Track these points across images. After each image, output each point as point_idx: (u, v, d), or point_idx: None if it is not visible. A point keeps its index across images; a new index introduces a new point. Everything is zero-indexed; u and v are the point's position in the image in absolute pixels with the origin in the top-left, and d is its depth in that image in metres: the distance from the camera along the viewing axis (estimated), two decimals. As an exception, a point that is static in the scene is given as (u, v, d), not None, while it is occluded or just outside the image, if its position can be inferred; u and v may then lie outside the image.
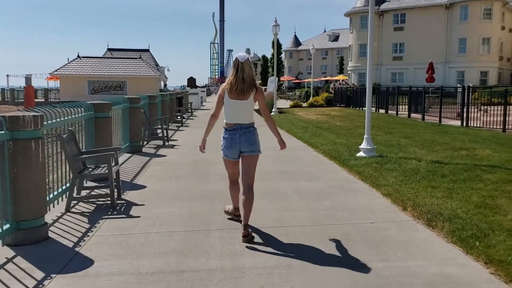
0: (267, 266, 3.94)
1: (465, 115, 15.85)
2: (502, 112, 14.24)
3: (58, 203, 5.84)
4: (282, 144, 5.16)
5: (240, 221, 4.84)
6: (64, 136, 5.72)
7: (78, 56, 42.11)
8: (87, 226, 5.13)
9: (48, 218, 5.31)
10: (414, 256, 4.14)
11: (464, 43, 49.15)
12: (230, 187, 5.25)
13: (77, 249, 4.43)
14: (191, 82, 42.44)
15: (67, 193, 5.85)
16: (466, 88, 16.00)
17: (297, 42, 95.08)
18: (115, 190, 6.27)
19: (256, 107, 5.32)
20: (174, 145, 11.87)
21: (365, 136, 9.51)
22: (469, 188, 6.42)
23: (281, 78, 70.93)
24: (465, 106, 15.96)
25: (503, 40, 51.21)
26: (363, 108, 26.65)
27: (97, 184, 6.73)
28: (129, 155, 10.05)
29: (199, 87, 44.05)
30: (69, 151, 5.74)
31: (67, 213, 5.63)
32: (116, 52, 50.94)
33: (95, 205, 5.97)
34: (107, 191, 5.97)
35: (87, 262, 4.10)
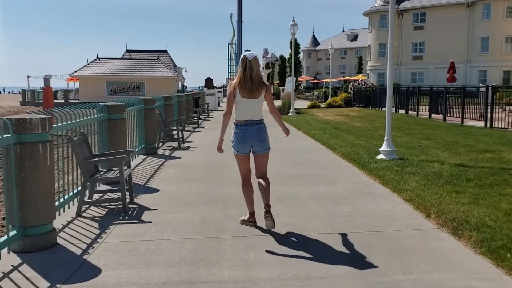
0: (282, 278, 3.71)
1: (489, 115, 15.33)
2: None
3: (69, 207, 5.72)
4: (286, 132, 5.23)
5: (256, 226, 4.98)
6: (75, 138, 5.59)
7: (97, 58, 42.46)
8: (97, 232, 4.98)
9: (58, 223, 5.19)
10: (439, 268, 3.86)
11: (487, 41, 48.03)
12: (244, 189, 5.07)
13: (85, 256, 4.28)
14: (208, 82, 42.42)
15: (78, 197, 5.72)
16: (490, 87, 15.49)
17: (315, 42, 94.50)
18: (128, 194, 6.13)
19: (265, 107, 5.13)
20: (190, 147, 11.72)
21: (386, 138, 9.20)
22: (497, 193, 6.08)
23: (299, 78, 70.54)
24: (489, 106, 15.45)
25: (527, 38, 49.93)
26: (383, 109, 26.17)
27: (109, 188, 6.60)
28: (144, 157, 9.93)
29: (216, 87, 44.00)
30: (80, 154, 5.61)
31: (78, 218, 5.50)
32: (135, 53, 51.24)
33: (106, 209, 5.83)
34: (120, 194, 5.82)
35: (94, 271, 3.94)
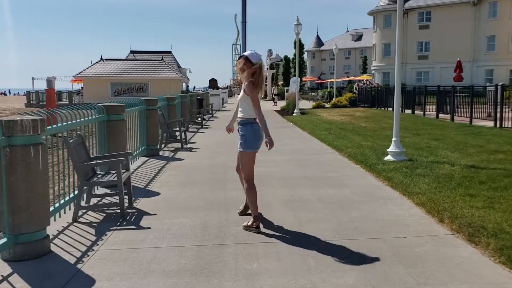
0: (287, 290, 3.46)
1: (498, 115, 14.99)
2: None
3: (65, 212, 5.49)
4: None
5: (260, 232, 4.80)
6: (71, 141, 5.36)
7: (101, 59, 42.37)
8: (93, 238, 4.75)
9: (53, 229, 4.97)
10: (456, 279, 3.60)
11: (493, 40, 47.56)
12: (254, 190, 4.93)
13: (79, 265, 4.04)
14: (213, 83, 42.31)
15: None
16: (500, 86, 15.15)
17: (319, 42, 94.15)
18: (126, 198, 5.90)
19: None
20: (193, 148, 11.48)
21: (393, 138, 8.93)
22: (512, 196, 5.80)
23: (304, 79, 70.26)
24: (499, 106, 15.11)
25: (534, 37, 49.39)
26: (388, 109, 25.88)
27: (107, 191, 6.37)
28: (145, 158, 9.70)
29: (221, 88, 43.82)
30: (76, 156, 5.38)
31: (74, 223, 5.27)
32: (139, 54, 51.16)
33: (104, 214, 5.60)
34: (118, 199, 5.59)
35: (88, 282, 3.70)
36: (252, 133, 4.83)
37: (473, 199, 5.69)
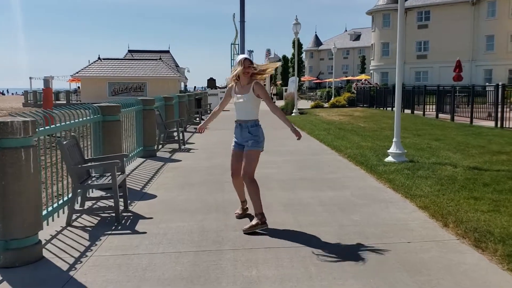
0: (288, 299, 3.32)
1: (499, 115, 14.86)
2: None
3: (58, 216, 5.33)
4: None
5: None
6: (65, 142, 5.21)
7: (99, 58, 42.15)
8: (87, 243, 4.60)
9: (46, 233, 4.82)
10: (463, 287, 3.46)
11: (492, 40, 47.48)
12: (258, 184, 4.96)
13: (72, 272, 3.89)
14: (211, 83, 42.05)
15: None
16: (501, 86, 15.02)
17: (317, 42, 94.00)
18: (122, 201, 5.75)
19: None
20: (190, 149, 11.33)
21: (394, 139, 8.78)
22: (518, 200, 5.66)
23: (302, 78, 70.08)
24: (499, 106, 14.97)
25: (533, 37, 49.31)
26: (387, 109, 25.75)
27: (102, 194, 6.22)
28: (142, 159, 9.54)
29: (219, 88, 43.61)
30: (70, 159, 5.22)
31: (68, 228, 5.12)
32: (137, 54, 50.92)
33: (99, 218, 5.45)
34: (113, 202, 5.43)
35: (80, 291, 3.55)
36: (262, 134, 5.05)
37: (477, 202, 5.55)
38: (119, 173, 5.66)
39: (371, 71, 58.02)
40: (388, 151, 8.88)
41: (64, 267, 4.02)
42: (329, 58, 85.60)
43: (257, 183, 4.92)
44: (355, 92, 35.19)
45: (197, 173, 8.08)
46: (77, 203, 5.69)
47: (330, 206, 5.76)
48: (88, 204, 5.98)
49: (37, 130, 4.49)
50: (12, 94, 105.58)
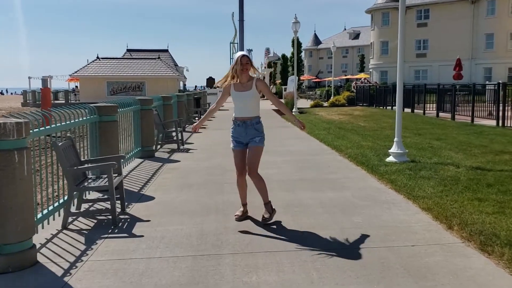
0: (289, 307, 3.21)
1: (500, 114, 14.74)
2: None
3: (54, 219, 5.22)
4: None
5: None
6: (60, 144, 5.09)
7: (98, 58, 41.99)
8: (83, 247, 4.48)
9: (41, 237, 4.72)
10: (470, 293, 3.35)
11: (491, 38, 47.40)
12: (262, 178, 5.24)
13: (66, 278, 3.78)
14: (210, 82, 41.97)
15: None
16: (502, 85, 14.89)
17: (317, 41, 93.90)
18: (119, 203, 5.64)
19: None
20: (189, 149, 11.21)
21: (396, 139, 8.67)
22: (523, 201, 5.54)
23: (301, 77, 69.96)
24: (501, 104, 14.85)
25: (533, 35, 49.22)
26: (387, 107, 25.64)
27: (99, 196, 6.11)
28: (140, 160, 9.42)
29: (218, 87, 43.59)
30: (66, 160, 5.11)
31: (64, 231, 5.00)
32: (135, 53, 50.75)
33: (95, 221, 5.34)
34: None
35: (74, 298, 3.44)
36: (264, 130, 5.15)
37: (482, 203, 5.44)
38: (116, 174, 5.55)
39: (370, 70, 57.93)
40: (389, 151, 8.77)
41: (59, 272, 3.91)
42: (328, 57, 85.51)
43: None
44: (355, 91, 35.07)
45: (196, 174, 7.97)
46: (74, 205, 5.58)
47: (331, 208, 5.65)
48: (85, 206, 5.86)
49: (31, 131, 4.38)
50: (12, 93, 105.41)
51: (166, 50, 52.93)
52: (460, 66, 28.36)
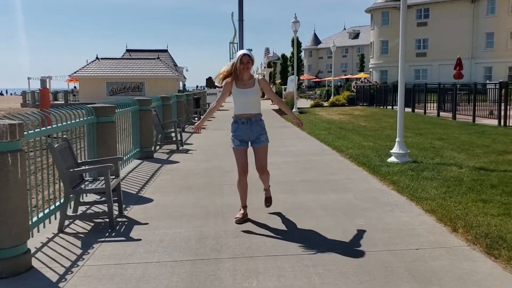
0: (291, 314, 3.10)
1: (502, 113, 14.62)
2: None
3: (50, 222, 5.12)
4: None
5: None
6: (56, 145, 4.98)
7: (97, 58, 41.88)
8: (79, 252, 4.38)
9: (37, 241, 4.62)
10: (477, 299, 3.25)
11: (492, 37, 47.29)
12: None
13: (61, 284, 3.68)
14: (210, 82, 41.84)
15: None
16: (504, 84, 14.77)
17: (316, 40, 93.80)
18: (116, 205, 5.53)
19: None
20: (189, 150, 11.11)
21: (397, 139, 8.56)
22: (528, 202, 5.44)
23: (301, 77, 69.85)
24: (502, 104, 14.73)
25: (533, 34, 49.09)
26: (387, 107, 25.52)
27: (96, 199, 6.01)
28: (139, 161, 9.31)
29: (218, 87, 43.47)
30: (62, 162, 5.00)
31: (60, 234, 4.90)
32: (135, 53, 50.61)
33: (92, 224, 5.23)
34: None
35: (69, 305, 3.33)
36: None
37: (486, 205, 5.33)
38: (113, 176, 5.44)
39: (370, 70, 57.82)
40: (391, 151, 8.66)
41: (54, 278, 3.81)
42: (328, 56, 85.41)
43: None
44: (355, 90, 34.96)
45: (195, 176, 7.86)
46: (70, 208, 5.48)
47: (333, 210, 5.54)
48: (82, 209, 5.76)
49: (25, 133, 4.28)
50: (11, 94, 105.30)
51: (166, 50, 52.80)
52: (460, 65, 28.28)
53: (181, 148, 11.29)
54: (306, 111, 25.06)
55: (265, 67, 56.66)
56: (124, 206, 5.74)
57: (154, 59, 42.39)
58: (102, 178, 5.46)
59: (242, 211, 5.18)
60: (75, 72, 40.27)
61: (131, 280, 3.69)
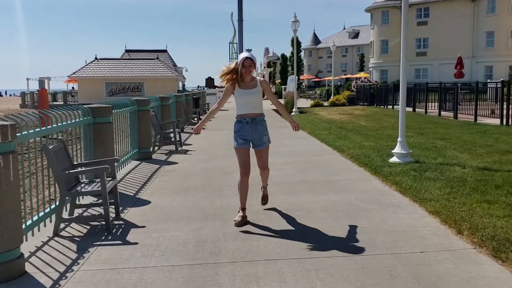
0: (292, 322, 2.98)
1: (504, 112, 14.49)
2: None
3: (45, 226, 5.00)
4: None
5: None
6: (51, 147, 4.87)
7: (96, 58, 41.75)
8: (74, 256, 4.26)
9: (31, 244, 4.51)
10: (485, 305, 3.13)
11: (492, 36, 47.16)
12: None
13: (55, 290, 3.56)
14: (209, 82, 41.78)
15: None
16: (506, 83, 14.64)
17: (316, 40, 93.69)
18: (113, 208, 5.42)
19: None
20: (188, 150, 10.99)
21: (399, 139, 8.44)
22: (534, 203, 5.32)
23: (301, 77, 69.75)
24: (505, 103, 14.60)
25: (533, 33, 48.96)
26: (388, 107, 25.41)
27: (93, 201, 5.89)
28: (137, 162, 9.19)
29: (218, 87, 43.27)
30: (57, 164, 4.88)
31: (55, 238, 4.78)
32: (134, 53, 50.44)
33: (88, 227, 5.11)
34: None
35: (62, 312, 3.22)
36: None
37: (491, 206, 5.22)
38: (110, 178, 5.33)
39: (370, 69, 57.69)
40: (392, 151, 8.54)
41: (47, 283, 3.69)
42: (327, 56, 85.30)
43: None
44: (355, 90, 34.84)
45: (194, 177, 7.73)
46: (66, 210, 5.37)
47: (334, 212, 5.42)
48: (78, 211, 5.65)
49: (18, 134, 4.16)
50: (10, 95, 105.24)
51: (165, 50, 52.65)
52: (461, 64, 28.15)
53: (180, 148, 11.18)
54: (306, 111, 24.94)
55: (264, 67, 56.59)
56: (121, 208, 5.63)
57: (153, 59, 42.28)
58: (99, 180, 5.34)
59: (241, 214, 5.07)
60: (74, 73, 40.13)
61: (127, 286, 3.58)
